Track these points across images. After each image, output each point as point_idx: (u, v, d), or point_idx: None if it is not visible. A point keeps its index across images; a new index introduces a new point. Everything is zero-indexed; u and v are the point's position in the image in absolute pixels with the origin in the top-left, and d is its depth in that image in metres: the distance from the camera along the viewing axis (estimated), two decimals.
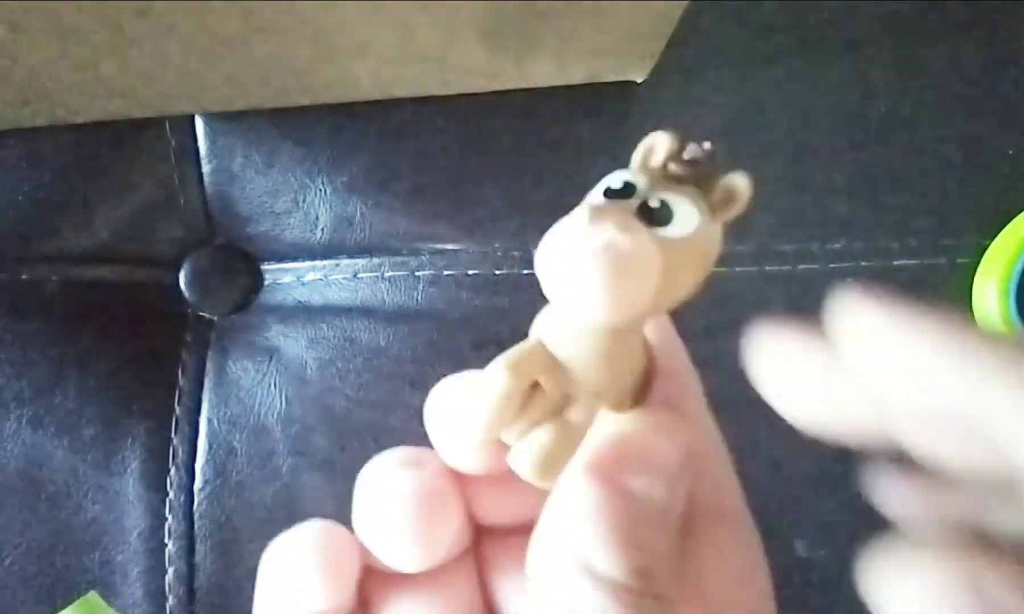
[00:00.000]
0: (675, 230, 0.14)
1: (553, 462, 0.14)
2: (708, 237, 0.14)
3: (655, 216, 0.14)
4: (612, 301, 0.13)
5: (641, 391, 0.16)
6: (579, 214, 0.13)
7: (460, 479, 0.17)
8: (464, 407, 0.14)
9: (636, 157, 0.15)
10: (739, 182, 0.14)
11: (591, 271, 0.13)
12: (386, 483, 0.17)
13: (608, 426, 0.15)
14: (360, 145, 0.34)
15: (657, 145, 0.15)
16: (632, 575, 0.13)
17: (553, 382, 0.14)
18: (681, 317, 0.34)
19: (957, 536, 0.12)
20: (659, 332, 0.17)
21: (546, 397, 0.14)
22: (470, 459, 0.16)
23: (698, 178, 0.14)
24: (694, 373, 0.18)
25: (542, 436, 0.14)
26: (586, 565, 0.13)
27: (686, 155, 0.15)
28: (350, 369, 0.34)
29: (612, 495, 0.14)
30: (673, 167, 0.15)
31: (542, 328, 0.15)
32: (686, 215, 0.14)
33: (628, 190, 0.14)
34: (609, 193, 0.14)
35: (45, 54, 0.28)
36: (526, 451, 0.14)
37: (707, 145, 0.15)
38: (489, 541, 0.18)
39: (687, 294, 0.14)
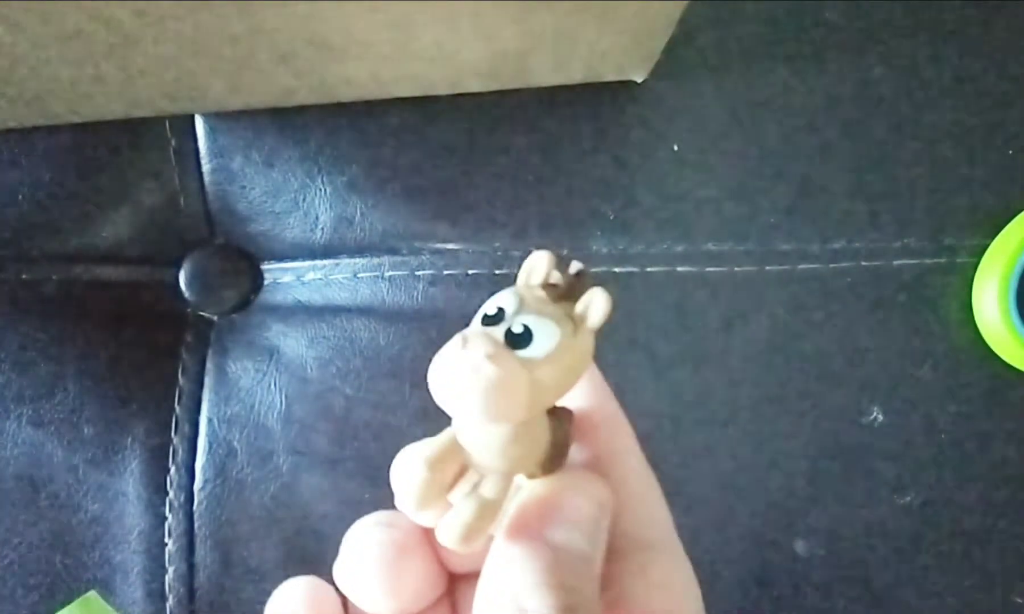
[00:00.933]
0: (536, 350, 0.16)
1: (471, 532, 0.16)
2: (572, 348, 0.17)
3: (518, 340, 0.16)
4: (486, 414, 0.16)
5: (556, 456, 0.18)
6: (455, 341, 0.16)
7: (430, 534, 0.19)
8: (400, 488, 0.17)
9: (520, 276, 0.18)
10: (596, 298, 0.17)
11: (464, 392, 0.15)
12: (360, 539, 0.20)
13: (531, 490, 0.18)
14: (360, 145, 0.34)
15: (536, 266, 0.18)
16: (559, 611, 0.15)
17: (468, 466, 0.17)
18: (683, 317, 0.34)
19: None
20: (590, 390, 0.20)
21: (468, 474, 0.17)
22: (424, 520, 0.18)
23: (567, 294, 0.17)
24: (622, 421, 0.20)
25: (460, 512, 0.16)
26: (520, 607, 0.16)
27: (551, 280, 0.17)
28: (350, 369, 0.34)
29: (536, 547, 0.16)
30: (543, 289, 0.17)
31: (456, 423, 0.17)
32: (546, 335, 0.16)
33: (499, 316, 0.17)
34: (485, 320, 0.17)
35: (45, 54, 0.28)
36: (447, 526, 0.16)
37: (574, 266, 0.18)
38: (462, 586, 0.21)
39: (564, 392, 0.17)
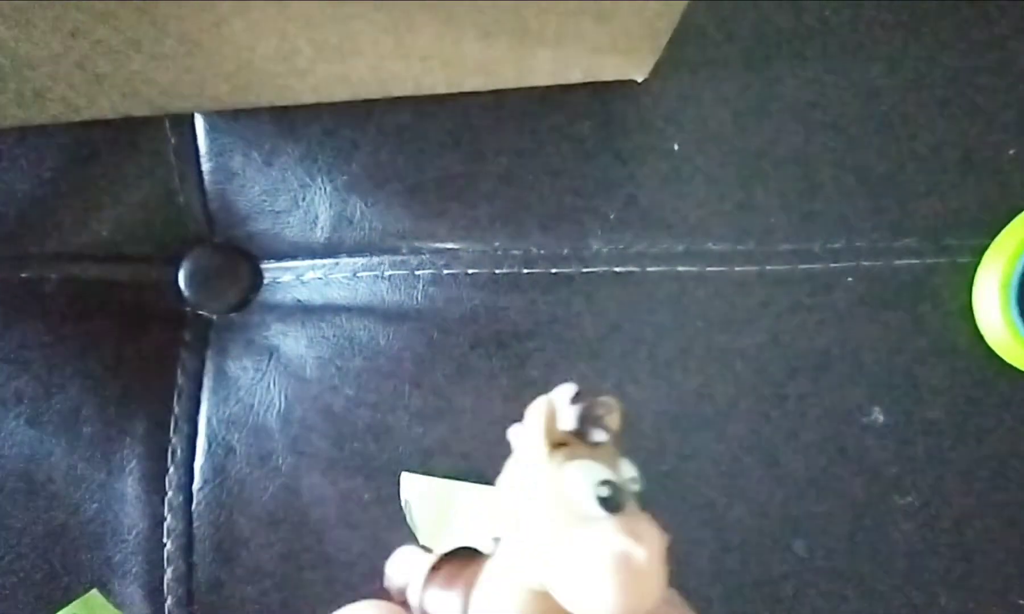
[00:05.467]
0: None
1: None
2: None
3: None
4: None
5: None
6: (623, 542, 0.15)
7: None
8: None
9: (541, 425, 0.17)
10: (612, 403, 0.17)
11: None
12: None
13: None
14: (360, 144, 0.34)
15: (557, 410, 0.17)
16: None
17: None
18: (683, 317, 0.34)
19: None
20: None
21: None
22: None
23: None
24: None
25: None
26: None
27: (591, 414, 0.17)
28: (350, 368, 0.34)
29: None
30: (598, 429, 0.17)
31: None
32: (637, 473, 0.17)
33: (614, 489, 0.16)
34: (606, 502, 0.16)
35: (45, 52, 0.28)
36: None
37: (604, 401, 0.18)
38: None
39: None
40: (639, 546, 0.15)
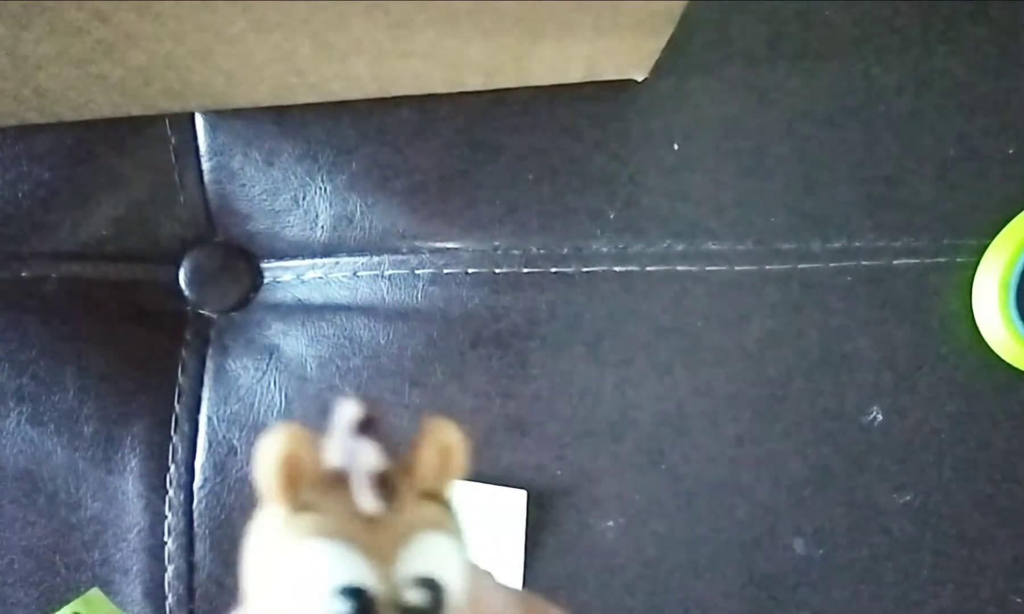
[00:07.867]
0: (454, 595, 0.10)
1: None
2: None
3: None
4: None
5: None
6: None
7: None
8: None
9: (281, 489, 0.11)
10: (448, 437, 0.11)
11: None
12: None
13: None
14: (360, 143, 0.34)
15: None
16: None
17: None
18: (683, 317, 0.34)
19: None
20: None
21: None
22: None
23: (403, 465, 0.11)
24: None
25: None
26: None
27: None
28: (350, 367, 0.34)
29: None
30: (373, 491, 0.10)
31: None
32: (452, 569, 0.11)
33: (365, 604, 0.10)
34: None
35: (45, 51, 0.28)
36: None
37: (352, 410, 0.11)
38: None
39: None
40: None
